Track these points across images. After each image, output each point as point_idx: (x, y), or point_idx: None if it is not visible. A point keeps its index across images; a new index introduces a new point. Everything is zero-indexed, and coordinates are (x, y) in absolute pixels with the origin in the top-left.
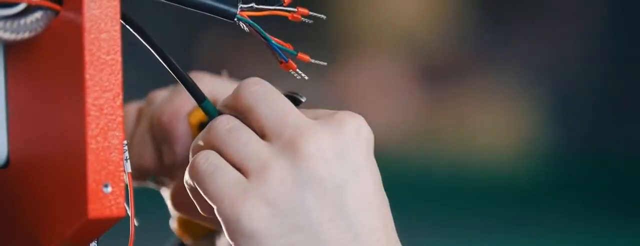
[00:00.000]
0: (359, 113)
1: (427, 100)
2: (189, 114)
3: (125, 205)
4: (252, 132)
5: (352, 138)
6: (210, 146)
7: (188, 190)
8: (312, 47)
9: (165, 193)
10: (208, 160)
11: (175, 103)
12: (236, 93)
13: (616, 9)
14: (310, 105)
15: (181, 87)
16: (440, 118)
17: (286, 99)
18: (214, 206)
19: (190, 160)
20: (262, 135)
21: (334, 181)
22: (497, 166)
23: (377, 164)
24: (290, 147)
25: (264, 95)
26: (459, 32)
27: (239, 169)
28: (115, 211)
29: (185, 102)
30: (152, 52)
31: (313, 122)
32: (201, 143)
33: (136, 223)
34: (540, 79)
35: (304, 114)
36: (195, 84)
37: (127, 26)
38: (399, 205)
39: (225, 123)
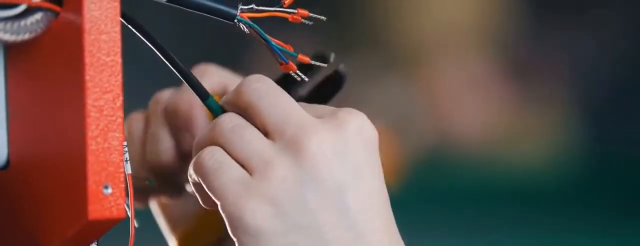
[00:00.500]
0: (448, 114)
1: (510, 100)
2: None
3: (126, 206)
4: (255, 129)
5: (354, 138)
6: (215, 143)
7: (191, 184)
8: (384, 50)
9: (155, 207)
10: (213, 156)
11: (189, 92)
12: (238, 91)
13: None
14: (394, 108)
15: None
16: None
17: (288, 96)
18: (218, 203)
19: (193, 155)
20: (265, 133)
21: (336, 181)
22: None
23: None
24: (292, 146)
25: (266, 92)
26: (518, 33)
27: (243, 166)
28: (115, 213)
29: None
30: (154, 49)
31: (315, 121)
32: (205, 139)
33: (136, 224)
34: (590, 81)
35: (307, 111)
36: (198, 81)
37: (128, 25)
38: (481, 207)
39: (229, 121)
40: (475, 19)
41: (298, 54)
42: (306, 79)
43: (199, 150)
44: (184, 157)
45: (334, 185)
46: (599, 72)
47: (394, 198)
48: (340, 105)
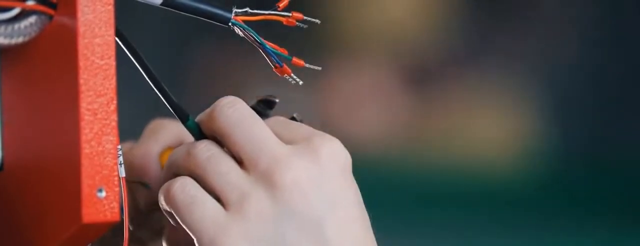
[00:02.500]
0: (346, 120)
1: (419, 104)
2: (160, 155)
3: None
4: (231, 160)
5: (328, 166)
6: (188, 173)
7: (164, 211)
8: (306, 52)
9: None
10: (184, 189)
11: (144, 146)
12: (211, 116)
13: (612, 10)
14: (304, 110)
15: (148, 133)
16: (433, 121)
17: (261, 124)
18: (194, 238)
19: (164, 179)
20: (240, 162)
21: (313, 214)
22: (491, 170)
23: (369, 170)
24: (267, 179)
25: (239, 120)
26: (450, 33)
27: (217, 198)
28: (109, 216)
29: (154, 143)
30: (140, 70)
31: (288, 152)
32: (179, 165)
33: (131, 228)
34: (535, 80)
35: (281, 133)
36: (178, 104)
37: (118, 41)
38: (391, 211)
39: (205, 151)
40: (388, 22)
41: (292, 57)
42: (300, 83)
43: (171, 175)
44: (143, 209)
45: (311, 218)
46: (546, 72)
47: None
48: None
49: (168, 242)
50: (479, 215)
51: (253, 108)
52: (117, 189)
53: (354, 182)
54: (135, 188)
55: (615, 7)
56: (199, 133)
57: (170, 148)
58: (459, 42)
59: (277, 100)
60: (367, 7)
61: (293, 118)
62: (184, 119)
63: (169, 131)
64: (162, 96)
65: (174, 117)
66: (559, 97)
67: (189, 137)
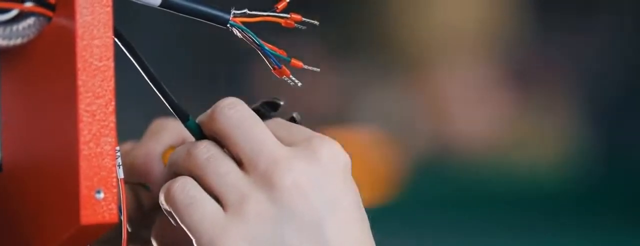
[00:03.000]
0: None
1: (510, 107)
2: (163, 154)
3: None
4: (230, 161)
5: (328, 168)
6: (188, 173)
7: (164, 210)
8: (390, 55)
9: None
10: (184, 189)
11: (147, 146)
12: (212, 116)
13: None
14: (399, 112)
15: (149, 133)
16: (530, 121)
17: (262, 125)
18: (193, 239)
19: (165, 179)
20: (239, 163)
21: (313, 215)
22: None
23: (468, 170)
24: (267, 181)
25: (239, 122)
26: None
27: (217, 198)
28: (107, 217)
29: (156, 143)
30: (140, 70)
31: (287, 153)
32: (179, 165)
33: (129, 229)
34: (595, 85)
35: (281, 135)
36: (178, 104)
37: (117, 41)
38: (484, 213)
39: (205, 151)
40: (478, 22)
41: (291, 58)
42: (299, 84)
43: (172, 175)
44: (146, 209)
45: (311, 219)
46: (605, 75)
47: (395, 204)
48: (341, 108)
49: (156, 238)
50: (516, 217)
51: (256, 109)
52: (115, 190)
53: (354, 183)
54: (136, 189)
55: None
56: (199, 134)
57: (173, 147)
58: (541, 39)
59: (281, 103)
60: (463, 7)
61: (292, 119)
62: (184, 119)
63: (171, 130)
64: (162, 96)
65: (175, 117)
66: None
67: (191, 137)
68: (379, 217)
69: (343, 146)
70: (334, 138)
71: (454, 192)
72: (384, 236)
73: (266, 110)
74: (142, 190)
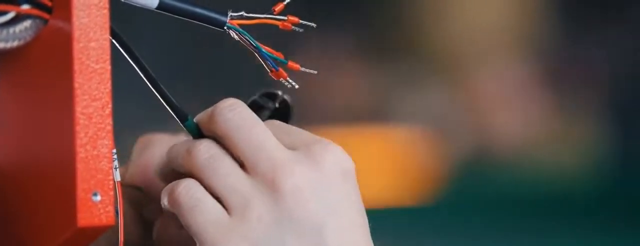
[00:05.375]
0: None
1: (547, 106)
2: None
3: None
4: (231, 161)
5: (329, 173)
6: (188, 171)
7: (164, 210)
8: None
9: None
10: (189, 191)
11: (141, 161)
12: (212, 117)
13: None
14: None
15: (140, 150)
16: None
17: (262, 128)
18: (197, 241)
19: (161, 173)
20: (241, 164)
21: (314, 221)
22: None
23: (506, 169)
24: (267, 184)
25: (240, 123)
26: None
27: (219, 200)
28: (104, 220)
29: (151, 157)
30: (138, 71)
31: (289, 157)
32: (180, 162)
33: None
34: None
35: (282, 138)
36: (177, 104)
37: (114, 42)
38: (522, 213)
39: (206, 151)
40: (514, 23)
41: (288, 61)
42: (296, 86)
43: (169, 171)
44: (146, 227)
45: (311, 224)
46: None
47: (435, 203)
48: (381, 107)
49: (158, 235)
50: (554, 217)
51: (255, 101)
52: (112, 193)
53: (357, 188)
54: (131, 192)
55: None
56: (198, 134)
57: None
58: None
59: (280, 93)
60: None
61: (275, 95)
62: (183, 119)
63: (161, 144)
64: (160, 96)
65: (172, 117)
66: None
67: (177, 157)
68: (422, 216)
69: (380, 145)
70: (374, 137)
71: (492, 192)
72: (423, 236)
73: (265, 102)
74: (140, 198)
